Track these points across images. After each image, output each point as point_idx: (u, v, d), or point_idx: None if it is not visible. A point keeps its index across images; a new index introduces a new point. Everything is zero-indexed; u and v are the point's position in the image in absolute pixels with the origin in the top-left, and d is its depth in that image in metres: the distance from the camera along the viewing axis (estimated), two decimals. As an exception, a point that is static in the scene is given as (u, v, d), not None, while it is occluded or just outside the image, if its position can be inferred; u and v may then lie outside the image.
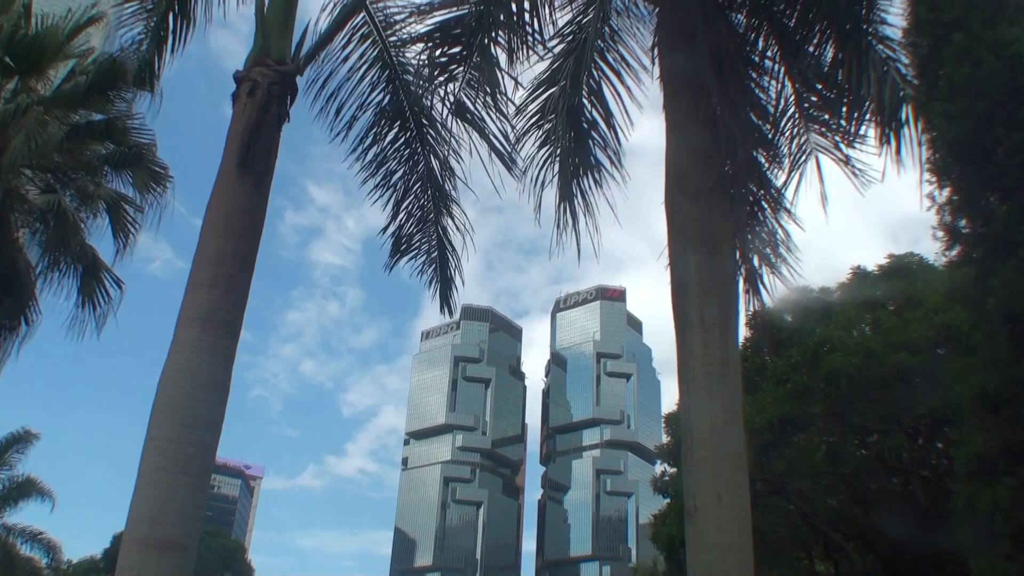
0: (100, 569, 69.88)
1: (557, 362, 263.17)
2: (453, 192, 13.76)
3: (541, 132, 12.73)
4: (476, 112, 12.65)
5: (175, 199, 19.10)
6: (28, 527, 39.45)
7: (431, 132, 13.48)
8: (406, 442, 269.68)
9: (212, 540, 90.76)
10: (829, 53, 11.10)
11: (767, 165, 12.03)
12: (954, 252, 14.55)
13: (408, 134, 13.51)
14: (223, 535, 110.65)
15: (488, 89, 12.29)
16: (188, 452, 8.89)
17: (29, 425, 41.75)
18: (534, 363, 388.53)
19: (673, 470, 37.77)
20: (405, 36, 13.06)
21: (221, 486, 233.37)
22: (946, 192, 13.86)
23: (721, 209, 9.83)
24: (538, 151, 12.72)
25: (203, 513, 9.35)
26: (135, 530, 8.59)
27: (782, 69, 11.66)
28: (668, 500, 38.43)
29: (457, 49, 12.06)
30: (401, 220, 13.85)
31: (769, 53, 11.78)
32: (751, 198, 11.65)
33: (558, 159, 12.58)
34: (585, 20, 12.50)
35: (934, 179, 13.60)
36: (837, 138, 11.57)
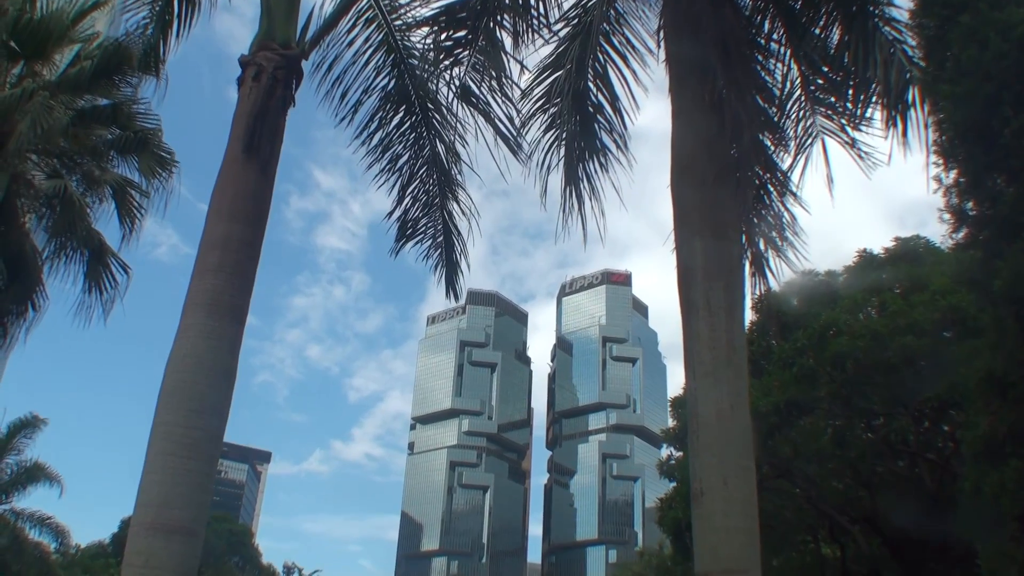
0: (108, 554, 70.18)
1: (563, 346, 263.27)
2: (459, 176, 13.74)
3: (547, 116, 12.69)
4: (481, 96, 12.62)
5: (181, 184, 19.17)
6: (36, 512, 39.74)
7: (436, 116, 13.45)
8: (412, 427, 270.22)
9: (219, 525, 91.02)
10: (835, 35, 11.08)
11: (773, 148, 11.99)
12: (961, 234, 14.55)
13: (413, 118, 13.48)
14: (230, 520, 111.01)
15: (493, 73, 12.27)
16: (195, 437, 8.90)
17: (36, 410, 41.93)
18: (540, 347, 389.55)
19: (679, 454, 37.86)
20: (410, 20, 13.02)
21: (228, 471, 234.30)
22: (953, 174, 13.85)
23: (727, 193, 9.81)
24: (544, 135, 12.69)
25: (210, 498, 9.39)
26: (143, 515, 8.62)
27: (788, 52, 11.62)
28: (674, 484, 38.49)
29: (462, 33, 12.03)
30: (407, 205, 13.84)
31: (775, 36, 11.73)
32: (757, 182, 11.61)
33: (564, 143, 12.53)
34: (590, 3, 12.45)
35: (941, 161, 13.60)
36: (843, 121, 11.53)
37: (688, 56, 10.36)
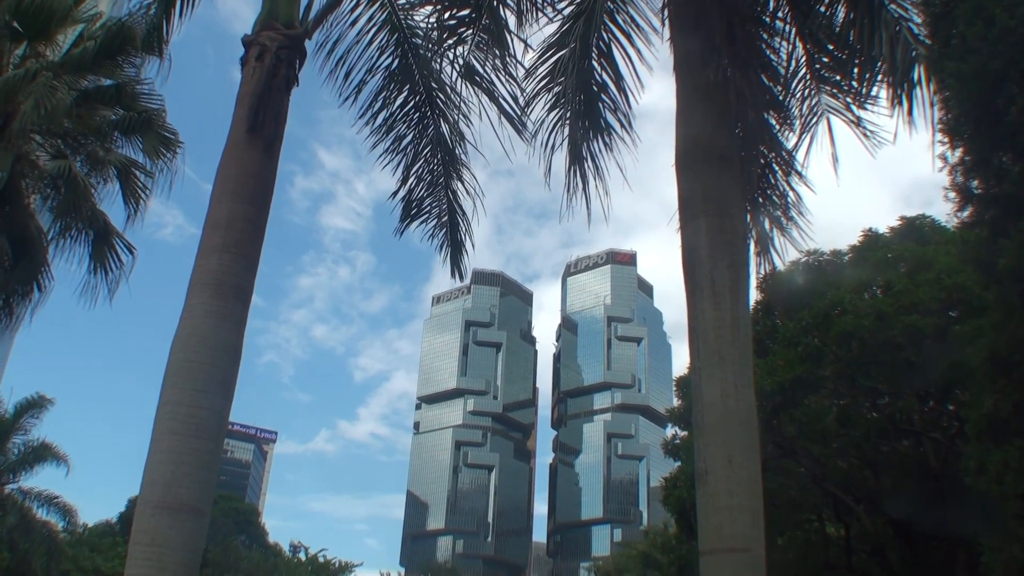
0: (115, 533, 70.45)
1: (568, 326, 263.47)
2: (463, 156, 13.71)
3: (551, 95, 12.64)
4: (485, 75, 12.60)
5: (185, 164, 19.16)
6: (44, 491, 39.89)
7: (440, 96, 13.41)
8: (418, 406, 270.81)
9: (226, 504, 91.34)
10: (841, 13, 11.02)
11: (778, 127, 11.95)
12: (966, 213, 14.50)
13: (417, 98, 13.44)
14: (237, 499, 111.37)
15: (497, 52, 12.24)
16: (201, 416, 8.95)
17: (43, 390, 42.00)
18: (545, 327, 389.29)
19: (684, 433, 37.84)
20: (414, -2, 12.98)
21: (235, 451, 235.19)
22: (959, 152, 13.78)
23: (732, 173, 9.79)
24: (548, 114, 12.64)
25: (216, 477, 9.43)
26: (149, 494, 8.67)
27: (793, 30, 11.56)
28: (679, 463, 38.54)
29: (466, 12, 12.01)
30: (411, 184, 13.81)
31: (780, 14, 11.68)
32: (762, 161, 11.60)
33: (568, 122, 12.50)
34: (595, -19, 12.38)
35: (946, 139, 13.51)
36: (848, 99, 11.49)
37: (693, 35, 10.32)
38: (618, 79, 12.62)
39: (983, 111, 12.86)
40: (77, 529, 51.30)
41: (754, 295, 28.95)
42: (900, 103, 10.33)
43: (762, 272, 12.12)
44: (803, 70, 11.72)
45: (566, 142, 12.50)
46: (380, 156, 13.61)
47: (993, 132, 12.97)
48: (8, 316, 20.25)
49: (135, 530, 8.60)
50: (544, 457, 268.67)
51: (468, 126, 13.37)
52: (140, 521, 8.61)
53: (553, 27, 12.50)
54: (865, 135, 11.30)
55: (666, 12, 11.48)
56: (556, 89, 12.58)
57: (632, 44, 12.44)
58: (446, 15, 12.08)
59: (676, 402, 41.03)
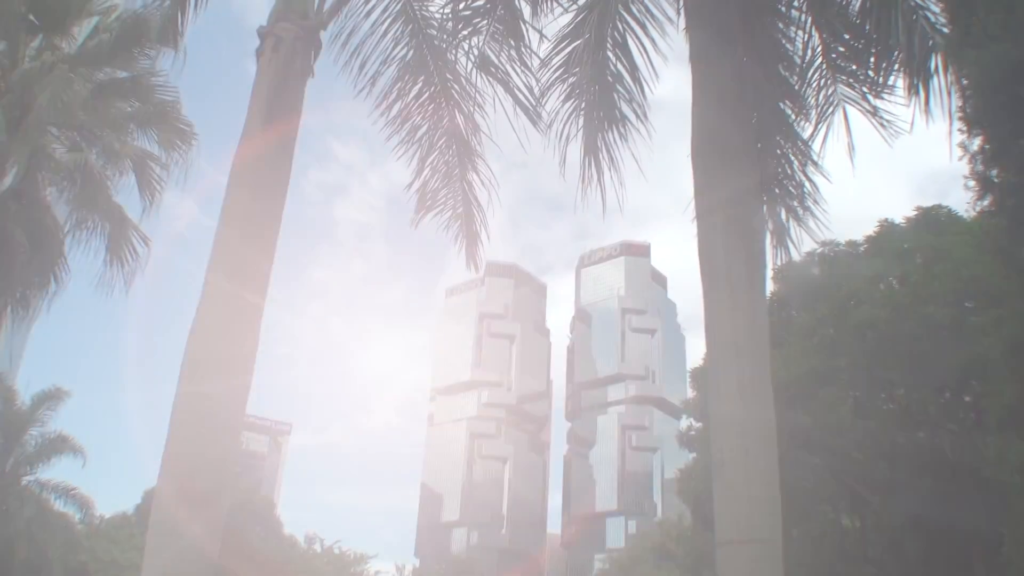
0: (132, 524, 70.78)
1: (582, 318, 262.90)
2: (478, 147, 13.68)
3: (566, 86, 12.59)
4: (500, 66, 12.55)
5: (200, 156, 19.20)
6: (61, 483, 40.19)
7: (455, 87, 13.37)
8: (432, 398, 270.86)
9: (241, 496, 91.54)
10: (857, 2, 10.96)
11: (794, 117, 11.89)
12: (986, 202, 14.41)
13: (432, 89, 13.40)
14: (252, 491, 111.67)
15: (512, 42, 12.20)
16: (217, 407, 8.96)
17: (59, 382, 42.33)
18: (559, 319, 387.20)
19: (699, 425, 37.83)
20: (428, -11, 12.94)
21: (249, 442, 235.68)
22: (978, 141, 13.69)
23: (748, 163, 9.75)
24: (563, 105, 12.60)
25: (233, 468, 9.46)
26: (166, 484, 8.69)
27: (809, 19, 11.50)
28: (694, 455, 38.55)
29: (481, 2, 11.98)
30: (426, 176, 13.78)
31: (796, 3, 11.62)
32: (778, 151, 11.55)
33: (583, 113, 12.46)
34: (609, -29, 12.33)
35: (966, 128, 13.42)
36: (865, 89, 11.41)
37: (708, 26, 10.28)
38: (633, 69, 12.56)
39: (1003, 99, 12.77)
40: (94, 521, 51.64)
41: (770, 286, 28.88)
42: (917, 93, 10.26)
43: (778, 262, 12.07)
44: (819, 60, 11.65)
45: (581, 133, 12.46)
46: (395, 148, 13.60)
47: (1014, 120, 12.88)
48: (25, 308, 20.36)
49: (153, 521, 8.64)
50: (558, 449, 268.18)
51: (483, 117, 13.34)
52: (158, 512, 8.65)
53: (568, 17, 12.46)
54: (882, 125, 11.22)
55: (681, 2, 11.43)
56: (571, 80, 12.53)
57: (647, 34, 12.36)
58: (461, 5, 12.05)
59: (691, 394, 40.98)
